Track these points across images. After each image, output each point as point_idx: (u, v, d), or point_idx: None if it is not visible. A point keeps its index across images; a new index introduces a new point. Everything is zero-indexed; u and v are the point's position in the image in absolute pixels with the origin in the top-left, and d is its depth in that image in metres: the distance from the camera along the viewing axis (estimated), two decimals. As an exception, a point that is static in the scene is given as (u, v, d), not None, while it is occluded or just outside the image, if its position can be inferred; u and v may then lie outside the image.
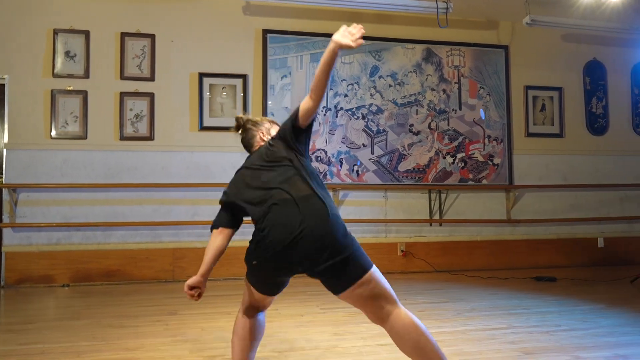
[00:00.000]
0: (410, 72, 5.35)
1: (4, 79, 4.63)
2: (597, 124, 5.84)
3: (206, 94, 4.94)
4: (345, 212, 5.14)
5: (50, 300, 4.11)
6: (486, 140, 5.49)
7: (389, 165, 5.24)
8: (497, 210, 5.53)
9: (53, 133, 4.66)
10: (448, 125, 5.41)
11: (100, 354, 2.61)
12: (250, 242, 1.85)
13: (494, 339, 2.84)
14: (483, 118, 5.52)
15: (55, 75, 4.68)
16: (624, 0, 4.53)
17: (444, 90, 5.42)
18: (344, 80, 5.19)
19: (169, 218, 4.81)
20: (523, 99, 5.66)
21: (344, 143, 5.16)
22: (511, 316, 3.36)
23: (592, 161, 5.80)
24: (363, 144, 5.20)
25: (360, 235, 5.17)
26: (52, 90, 4.67)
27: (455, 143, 5.42)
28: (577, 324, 3.16)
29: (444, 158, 5.38)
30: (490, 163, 5.48)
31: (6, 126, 4.61)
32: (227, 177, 4.91)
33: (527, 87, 5.66)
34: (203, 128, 4.92)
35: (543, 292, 4.21)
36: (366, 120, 5.22)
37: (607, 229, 5.79)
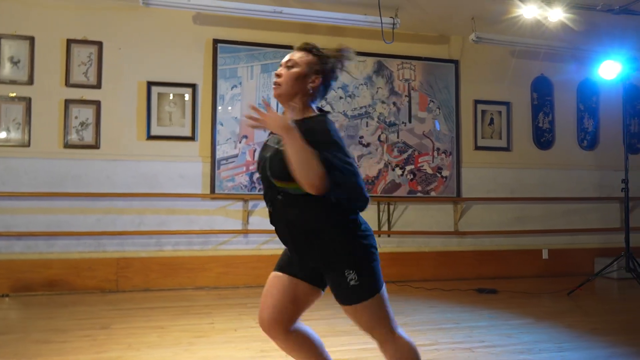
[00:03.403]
0: (361, 84, 5.42)
1: (-57, 84, 4.53)
2: (543, 139, 5.99)
3: (154, 102, 4.91)
4: (294, 222, 5.17)
5: (-15, 311, 4.03)
6: (435, 153, 5.59)
7: (338, 177, 5.28)
8: (444, 222, 5.63)
9: (-6, 140, 4.58)
10: (398, 137, 5.49)
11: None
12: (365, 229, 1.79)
13: (414, 356, 2.90)
14: (438, 129, 5.62)
15: (-3, 81, 4.60)
16: (562, 21, 4.66)
17: (394, 103, 5.50)
18: (295, 91, 5.22)
19: (113, 228, 4.77)
20: (472, 112, 5.78)
21: (293, 154, 5.19)
22: (440, 331, 3.44)
23: (538, 175, 5.95)
24: (313, 155, 5.23)
25: (309, 245, 5.20)
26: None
27: (405, 155, 5.50)
28: (501, 339, 3.26)
29: (393, 170, 5.46)
30: (439, 175, 5.59)
31: (-55, 132, 4.52)
32: (174, 186, 4.97)
33: (477, 101, 5.78)
34: (150, 137, 4.89)
35: (480, 304, 4.31)
36: (316, 131, 5.25)
37: (552, 241, 5.96)
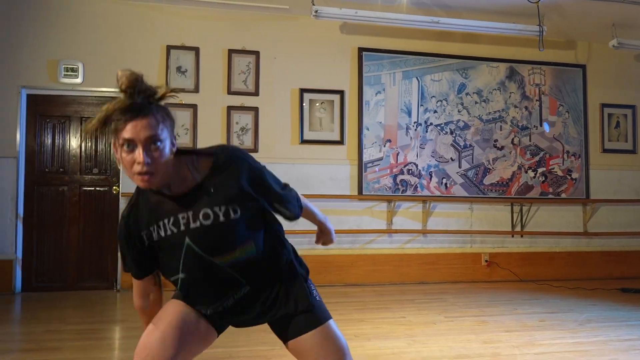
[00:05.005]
0: (495, 89, 5.59)
1: (120, 92, 4.86)
2: (667, 141, 6.07)
3: (306, 108, 5.17)
4: (433, 223, 5.38)
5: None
6: (565, 156, 5.73)
7: (474, 179, 5.47)
8: (574, 222, 5.76)
9: (165, 145, 4.88)
10: (530, 141, 5.65)
11: (285, 358, 2.84)
12: None
13: (637, 349, 3.06)
14: (547, 130, 5.75)
15: (168, 90, 4.91)
16: None
17: (526, 107, 5.66)
18: (434, 96, 5.43)
19: (271, 227, 5.03)
20: (599, 116, 5.90)
21: (433, 157, 5.40)
22: (633, 327, 3.58)
23: (662, 177, 6.04)
24: (451, 158, 5.43)
25: (447, 245, 5.41)
26: (165, 104, 4.89)
27: (537, 158, 5.65)
28: (701, 336, 3.39)
29: (526, 172, 5.61)
30: (569, 177, 5.72)
31: (122, 137, 4.84)
32: (325, 188, 5.22)
33: (603, 105, 5.90)
34: (303, 141, 5.15)
35: (638, 304, 4.43)
36: (454, 135, 5.45)
37: (676, 242, 6.03)
